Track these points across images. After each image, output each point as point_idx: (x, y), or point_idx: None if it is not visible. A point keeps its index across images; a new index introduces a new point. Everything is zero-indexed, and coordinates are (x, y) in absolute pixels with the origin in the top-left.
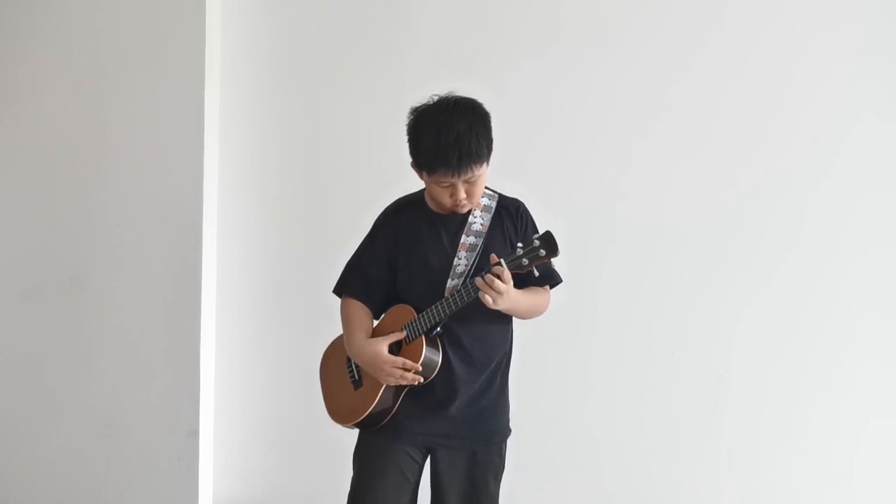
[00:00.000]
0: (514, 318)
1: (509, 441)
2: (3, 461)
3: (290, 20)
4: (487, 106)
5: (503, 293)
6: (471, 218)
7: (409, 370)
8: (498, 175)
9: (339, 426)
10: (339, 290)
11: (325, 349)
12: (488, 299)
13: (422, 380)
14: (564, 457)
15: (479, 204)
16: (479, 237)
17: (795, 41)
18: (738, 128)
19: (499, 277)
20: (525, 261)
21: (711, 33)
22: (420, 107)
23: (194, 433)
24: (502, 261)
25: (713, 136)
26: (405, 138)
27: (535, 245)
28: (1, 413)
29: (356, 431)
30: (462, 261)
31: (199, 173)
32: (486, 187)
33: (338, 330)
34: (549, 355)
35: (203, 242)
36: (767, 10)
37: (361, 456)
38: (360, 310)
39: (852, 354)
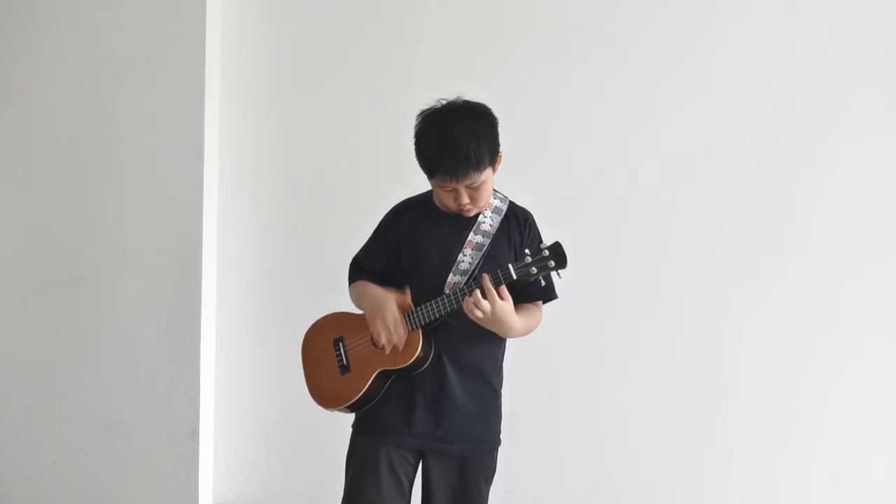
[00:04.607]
0: None
1: (512, 441)
2: (4, 461)
3: (290, 20)
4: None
5: (486, 311)
6: (481, 217)
7: (389, 340)
8: (506, 181)
9: (323, 410)
10: (349, 285)
11: (307, 330)
12: (477, 312)
13: (388, 349)
14: (565, 457)
15: (491, 205)
16: (487, 237)
17: (801, 51)
18: (744, 136)
19: (481, 290)
20: (534, 269)
21: (718, 44)
22: (426, 110)
23: (194, 433)
24: (510, 267)
25: (720, 145)
26: (407, 140)
27: (544, 255)
28: (1, 413)
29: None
30: (467, 258)
31: (199, 173)
32: (496, 191)
33: None
34: (553, 356)
35: (203, 242)
36: (774, 21)
37: (354, 459)
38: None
39: (855, 358)
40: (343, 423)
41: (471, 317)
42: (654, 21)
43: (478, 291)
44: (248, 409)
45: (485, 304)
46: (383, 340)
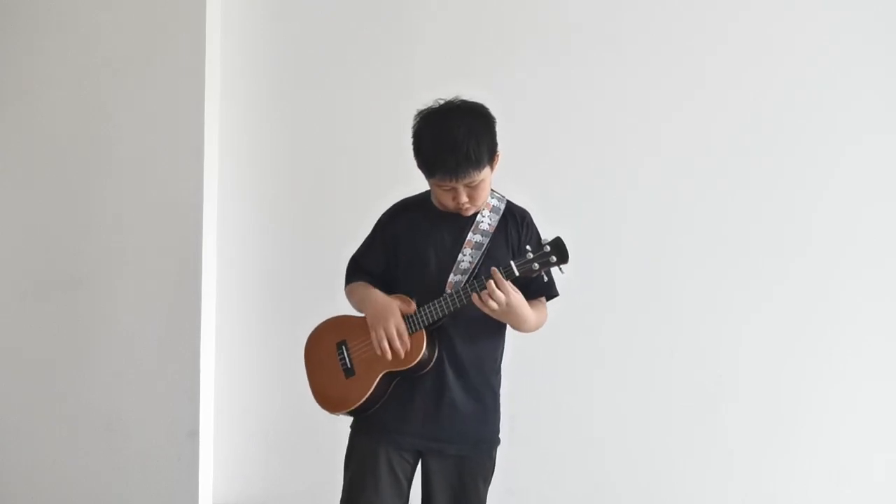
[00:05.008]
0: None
1: (512, 441)
2: (4, 461)
3: (290, 20)
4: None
5: (501, 302)
6: (479, 217)
7: (393, 346)
8: (505, 181)
9: (326, 413)
10: (346, 285)
11: (309, 335)
12: (492, 304)
13: (388, 355)
14: (565, 456)
15: (489, 204)
16: (486, 236)
17: (801, 51)
18: (744, 136)
19: (495, 283)
20: (536, 265)
21: (718, 44)
22: (424, 110)
23: (194, 433)
24: (512, 263)
25: (720, 145)
26: (406, 140)
27: (546, 250)
28: (1, 413)
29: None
30: (467, 257)
31: (199, 173)
32: (493, 190)
33: None
34: (553, 356)
35: (203, 242)
36: (774, 21)
37: (353, 459)
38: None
39: (855, 358)
40: (343, 423)
41: (484, 309)
42: (654, 21)
43: (492, 282)
44: (248, 409)
45: (500, 294)
46: (385, 345)
